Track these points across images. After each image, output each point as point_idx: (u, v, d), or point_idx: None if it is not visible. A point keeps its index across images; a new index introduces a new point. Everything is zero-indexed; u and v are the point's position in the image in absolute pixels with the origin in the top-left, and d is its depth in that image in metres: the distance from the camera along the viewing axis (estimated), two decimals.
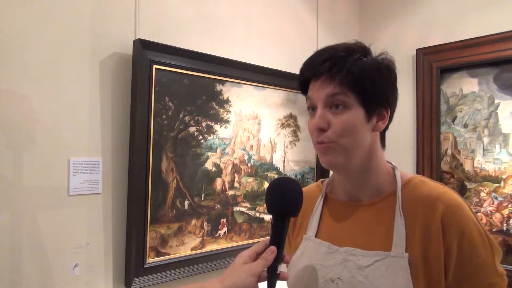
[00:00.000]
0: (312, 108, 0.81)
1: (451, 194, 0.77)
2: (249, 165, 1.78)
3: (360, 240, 0.80)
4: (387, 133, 0.86)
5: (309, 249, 0.86)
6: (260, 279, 0.72)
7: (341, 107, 0.76)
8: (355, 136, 0.77)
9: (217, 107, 1.65)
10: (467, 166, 1.91)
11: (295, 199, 0.76)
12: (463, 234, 0.73)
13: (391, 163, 0.87)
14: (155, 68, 1.42)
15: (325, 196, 0.93)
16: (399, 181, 0.81)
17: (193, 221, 1.57)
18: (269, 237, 0.76)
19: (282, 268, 0.76)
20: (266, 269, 0.72)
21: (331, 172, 0.91)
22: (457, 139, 1.96)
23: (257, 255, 0.74)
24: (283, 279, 0.75)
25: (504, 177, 1.79)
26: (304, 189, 0.81)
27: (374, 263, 0.76)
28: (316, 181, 1.01)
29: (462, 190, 1.92)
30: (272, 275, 0.72)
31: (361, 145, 0.78)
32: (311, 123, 0.80)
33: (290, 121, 1.98)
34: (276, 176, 1.87)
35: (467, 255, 0.73)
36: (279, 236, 0.73)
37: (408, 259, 0.73)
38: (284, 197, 0.75)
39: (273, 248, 0.72)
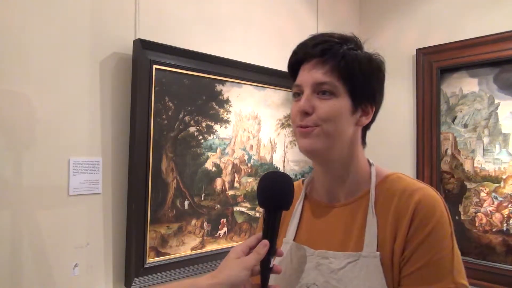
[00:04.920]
0: (298, 94, 0.80)
1: (427, 191, 0.74)
2: (249, 165, 1.78)
3: (334, 242, 0.78)
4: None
5: (288, 253, 0.85)
6: (253, 273, 0.72)
7: (328, 93, 0.76)
8: (338, 123, 0.75)
9: (217, 107, 1.65)
10: (467, 166, 1.91)
11: (286, 192, 0.76)
12: (429, 234, 0.70)
13: (369, 160, 0.85)
14: (155, 68, 1.42)
15: (304, 197, 0.91)
16: (373, 179, 0.80)
17: (193, 221, 1.57)
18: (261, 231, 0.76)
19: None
20: (259, 262, 0.71)
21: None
22: (457, 139, 1.96)
23: (250, 249, 0.73)
24: (276, 272, 0.74)
25: (504, 177, 1.79)
26: None
27: (346, 265, 0.74)
28: None
29: (462, 190, 1.92)
30: (265, 269, 0.72)
31: (343, 135, 0.77)
32: (295, 107, 0.79)
33: (290, 121, 1.98)
34: None
35: (425, 255, 0.69)
36: (271, 229, 0.73)
37: (380, 258, 0.71)
38: (275, 191, 0.75)
39: (265, 241, 0.72)
